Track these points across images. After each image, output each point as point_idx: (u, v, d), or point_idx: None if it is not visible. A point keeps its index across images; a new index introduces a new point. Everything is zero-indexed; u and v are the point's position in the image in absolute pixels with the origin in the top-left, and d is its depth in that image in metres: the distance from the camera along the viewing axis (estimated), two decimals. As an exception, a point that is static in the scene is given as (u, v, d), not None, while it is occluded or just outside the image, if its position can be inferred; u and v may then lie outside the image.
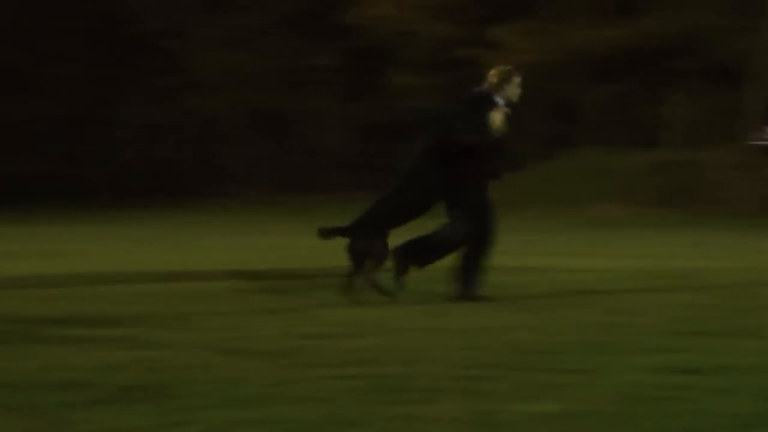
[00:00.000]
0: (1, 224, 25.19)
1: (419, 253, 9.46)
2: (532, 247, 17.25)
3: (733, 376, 5.59)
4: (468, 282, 9.28)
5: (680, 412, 4.74)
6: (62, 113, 40.15)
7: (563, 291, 9.64)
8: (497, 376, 5.53)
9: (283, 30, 40.78)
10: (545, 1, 37.72)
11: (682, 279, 11.06)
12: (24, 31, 40.16)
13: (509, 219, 29.01)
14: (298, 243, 17.29)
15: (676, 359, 6.05)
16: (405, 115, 38.48)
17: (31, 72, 40.15)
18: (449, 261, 9.34)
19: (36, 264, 13.40)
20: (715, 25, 33.88)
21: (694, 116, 37.01)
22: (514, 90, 9.59)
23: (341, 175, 40.49)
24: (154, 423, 4.50)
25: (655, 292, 9.80)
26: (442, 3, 38.66)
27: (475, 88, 9.63)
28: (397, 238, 9.34)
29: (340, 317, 8.14)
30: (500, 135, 9.43)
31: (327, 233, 9.33)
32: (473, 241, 9.33)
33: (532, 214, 29.29)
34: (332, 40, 40.24)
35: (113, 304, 8.94)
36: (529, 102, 36.67)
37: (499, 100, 9.49)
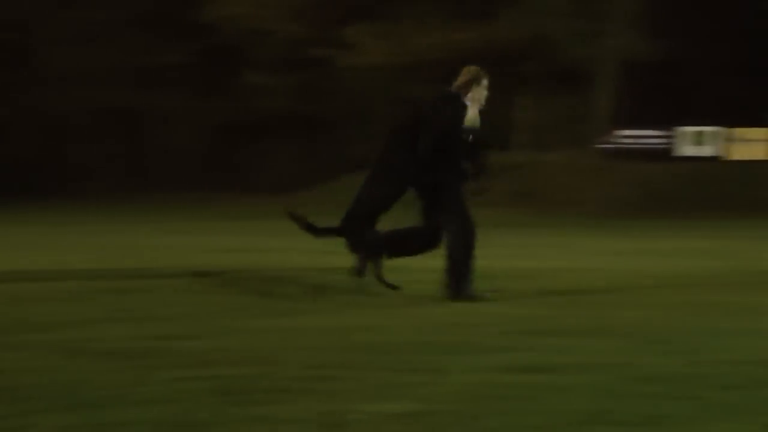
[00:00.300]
0: None
1: (394, 244, 9.61)
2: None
3: (575, 374, 5.72)
4: (458, 282, 9.33)
5: (523, 411, 4.83)
6: None
7: (411, 291, 9.70)
8: (346, 376, 5.56)
9: (136, 27, 40.23)
10: (398, 3, 37.97)
11: (529, 279, 11.22)
12: None
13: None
14: (151, 242, 17.10)
15: (520, 358, 6.16)
16: (258, 114, 38.36)
17: None
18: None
19: None
20: (563, 29, 34.57)
21: (543, 119, 37.72)
22: (482, 92, 9.66)
23: (194, 173, 40.13)
24: (-7, 427, 4.41)
25: (500, 292, 9.93)
26: (296, 3, 38.62)
27: (446, 89, 9.68)
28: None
29: (188, 318, 8.07)
30: (474, 131, 9.53)
31: (318, 232, 9.52)
32: (457, 241, 9.40)
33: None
34: (186, 38, 39.86)
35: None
36: (380, 103, 36.87)
37: (467, 102, 9.55)
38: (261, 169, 39.96)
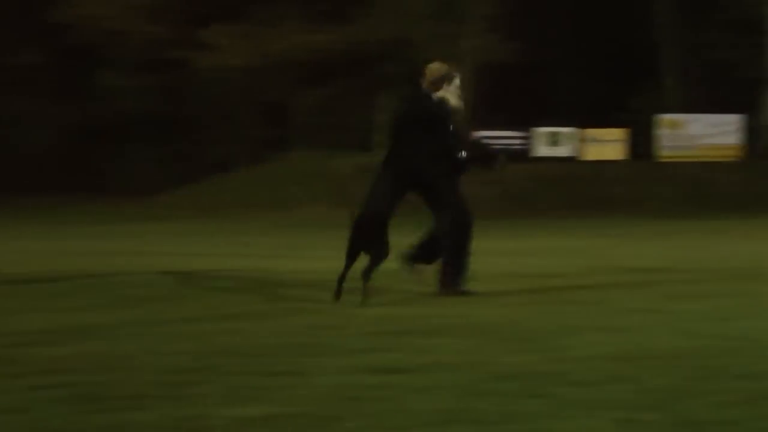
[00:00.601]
0: None
1: (427, 252, 9.63)
2: (241, 249, 17.25)
3: (435, 374, 5.77)
4: (453, 277, 9.36)
5: (382, 412, 4.85)
6: None
7: (271, 293, 9.68)
8: (205, 380, 5.51)
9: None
10: (257, 4, 37.80)
11: (389, 279, 11.23)
12: None
13: (219, 221, 28.89)
14: (5, 247, 16.70)
15: (380, 359, 6.18)
16: (116, 116, 37.79)
17: None
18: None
19: None
20: (422, 32, 34.84)
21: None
22: (455, 89, 9.76)
23: (47, 176, 39.29)
24: None
25: (358, 293, 9.95)
26: (152, 3, 38.13)
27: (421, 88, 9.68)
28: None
29: (40, 323, 7.91)
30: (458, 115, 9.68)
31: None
32: (453, 236, 9.42)
33: (242, 217, 29.28)
34: (38, 39, 39.00)
35: None
36: (241, 104, 36.61)
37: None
38: (120, 172, 39.37)
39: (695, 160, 33.15)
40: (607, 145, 33.20)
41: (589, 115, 34.40)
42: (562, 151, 33.58)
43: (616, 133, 33.20)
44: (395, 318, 8.16)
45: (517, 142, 34.20)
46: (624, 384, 5.46)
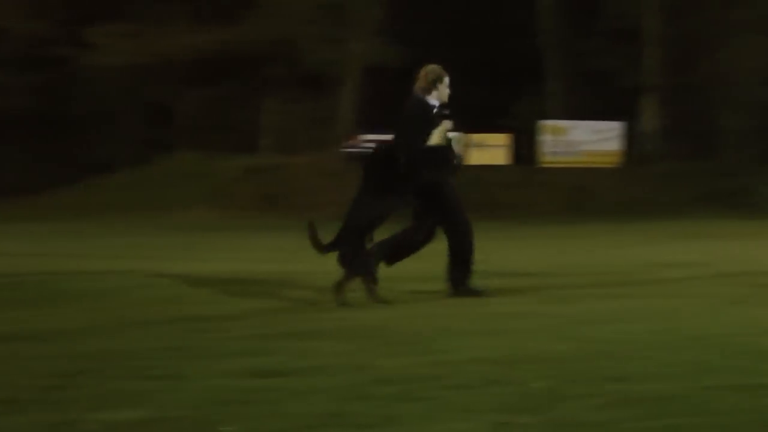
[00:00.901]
0: None
1: (392, 252, 9.75)
2: (123, 251, 17.05)
3: (314, 377, 5.76)
4: (464, 278, 9.54)
5: (261, 415, 4.84)
6: None
7: (150, 295, 9.58)
8: (79, 384, 5.43)
9: None
10: (142, 3, 37.41)
11: (269, 283, 11.23)
12: None
13: (101, 223, 28.47)
14: None
15: (259, 362, 6.15)
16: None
17: None
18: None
19: None
20: (307, 34, 34.83)
21: (289, 123, 37.89)
22: (444, 90, 9.82)
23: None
24: None
25: (242, 296, 9.92)
26: (35, 0, 37.48)
27: (415, 94, 9.78)
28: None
29: None
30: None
31: (325, 249, 9.38)
32: (458, 238, 9.63)
33: (125, 218, 28.94)
34: None
35: None
36: (125, 105, 36.16)
37: (434, 101, 9.74)
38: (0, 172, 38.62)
39: (577, 165, 33.69)
40: (491, 150, 33.56)
41: (473, 120, 34.70)
42: (446, 155, 33.84)
43: (500, 139, 33.59)
44: (276, 321, 8.14)
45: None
46: (501, 387, 5.52)
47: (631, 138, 34.90)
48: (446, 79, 9.99)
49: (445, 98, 10.02)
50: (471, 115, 36.05)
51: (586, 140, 34.30)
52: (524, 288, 10.42)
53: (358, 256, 9.36)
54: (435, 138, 9.88)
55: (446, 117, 9.99)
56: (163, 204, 32.19)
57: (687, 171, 33.22)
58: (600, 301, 9.29)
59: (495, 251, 17.42)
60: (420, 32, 37.93)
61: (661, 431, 4.69)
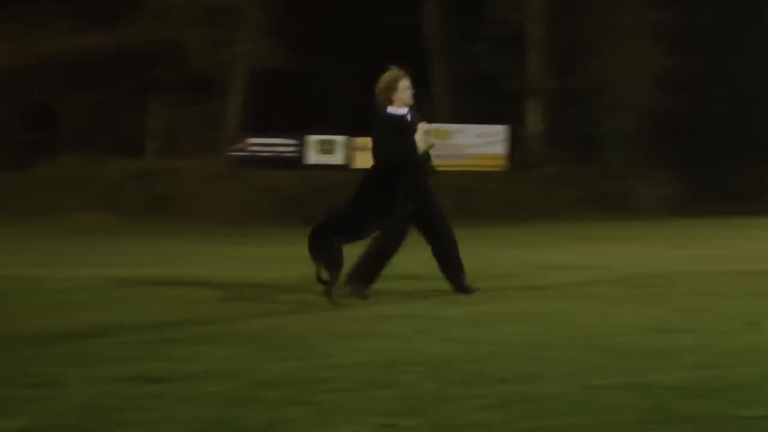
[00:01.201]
0: None
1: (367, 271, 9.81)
2: (7, 257, 16.74)
3: (200, 383, 5.72)
4: (460, 275, 9.96)
5: (145, 422, 4.79)
6: None
7: (32, 301, 9.42)
8: (-43, 394, 5.33)
9: None
10: (23, 4, 36.72)
11: (156, 288, 11.12)
12: None
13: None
14: None
15: (144, 368, 6.09)
16: None
17: None
18: None
19: None
20: (193, 37, 34.58)
21: (176, 126, 37.56)
22: (404, 93, 9.73)
23: None
24: None
25: (128, 301, 9.81)
26: None
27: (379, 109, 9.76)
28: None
29: None
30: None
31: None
32: (445, 237, 10.08)
33: (8, 224, 28.40)
34: None
35: None
36: (6, 107, 35.35)
37: (400, 110, 9.64)
38: None
39: (462, 169, 33.98)
40: (377, 153, 33.67)
41: (360, 123, 34.80)
42: (334, 158, 33.87)
43: (387, 142, 33.69)
44: (164, 326, 8.07)
45: (289, 149, 34.32)
46: (387, 390, 5.55)
47: (516, 142, 35.33)
48: (401, 83, 9.91)
49: (408, 100, 9.93)
50: (358, 118, 36.22)
51: (471, 144, 34.61)
52: (411, 290, 10.49)
53: (335, 251, 9.53)
54: (419, 144, 9.83)
55: (414, 120, 9.93)
56: (47, 209, 31.66)
57: (570, 174, 33.73)
58: (485, 302, 9.39)
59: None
60: (306, 35, 37.91)
61: (543, 431, 4.76)
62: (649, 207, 32.47)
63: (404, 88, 9.91)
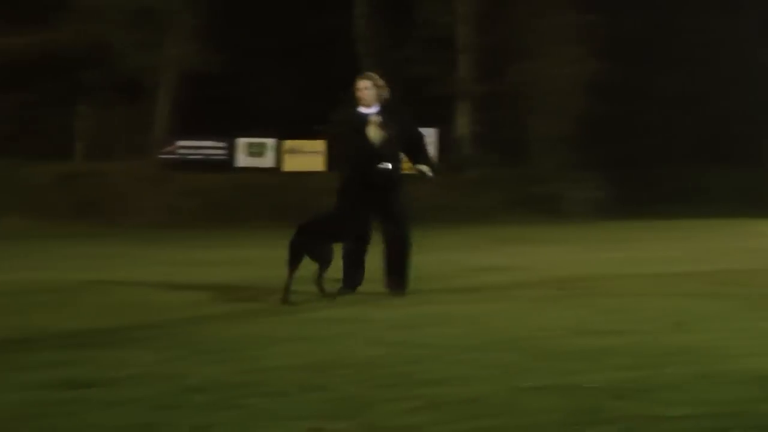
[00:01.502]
0: None
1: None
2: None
3: (127, 388, 5.68)
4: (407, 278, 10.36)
5: (67, 428, 4.74)
6: None
7: None
8: None
9: None
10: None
11: (83, 292, 11.01)
12: None
13: None
14: None
15: (68, 373, 6.02)
16: None
17: None
18: None
19: None
20: (122, 38, 34.29)
21: (105, 128, 37.24)
22: (357, 93, 10.38)
23: None
24: None
25: (53, 306, 9.70)
26: None
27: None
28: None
29: None
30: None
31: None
32: (409, 239, 10.63)
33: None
34: None
35: None
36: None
37: (360, 109, 10.28)
38: None
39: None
40: (307, 156, 33.62)
41: (290, 126, 34.75)
42: (263, 161, 33.77)
43: (316, 145, 33.66)
44: (87, 331, 7.98)
45: (219, 152, 34.16)
46: (315, 393, 5.54)
47: (446, 144, 35.44)
48: (357, 84, 10.53)
49: (360, 101, 10.50)
50: (288, 121, 36.15)
51: (401, 147, 34.65)
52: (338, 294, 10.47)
53: (325, 249, 9.88)
54: (373, 138, 10.33)
55: (361, 117, 10.41)
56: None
57: (500, 177, 33.90)
58: (414, 305, 9.41)
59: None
60: (236, 38, 37.78)
61: (469, 433, 4.79)
62: (578, 210, 32.73)
63: (357, 89, 10.50)
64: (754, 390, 5.53)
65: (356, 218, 10.27)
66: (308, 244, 9.87)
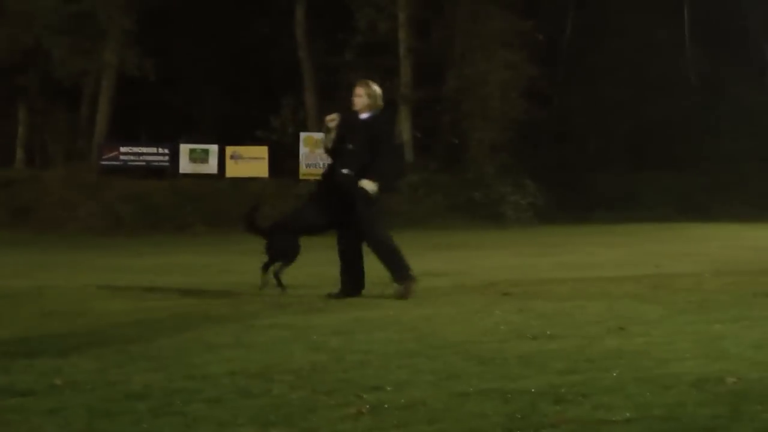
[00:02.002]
0: None
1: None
2: None
3: (65, 396, 5.63)
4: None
5: (3, 437, 4.70)
6: None
7: None
8: None
9: None
10: None
11: (20, 300, 10.89)
12: None
13: None
14: None
15: (8, 381, 5.97)
16: None
17: None
18: None
19: None
20: (59, 44, 34.01)
21: (42, 134, 36.93)
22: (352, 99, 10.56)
23: None
24: None
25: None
26: None
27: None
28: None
29: None
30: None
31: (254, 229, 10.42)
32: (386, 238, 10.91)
33: None
34: None
35: None
36: None
37: (358, 114, 10.52)
38: None
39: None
40: (250, 162, 33.51)
41: (233, 132, 34.64)
42: (206, 167, 33.60)
43: (259, 151, 33.58)
44: (25, 339, 7.90)
45: (162, 158, 33.94)
46: (257, 399, 5.53)
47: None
48: (354, 88, 10.71)
49: (354, 105, 10.65)
50: (231, 127, 36.02)
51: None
52: (280, 299, 10.45)
53: (291, 246, 10.34)
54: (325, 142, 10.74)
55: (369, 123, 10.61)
56: None
57: (439, 182, 33.99)
58: (356, 311, 9.41)
59: (255, 262, 17.43)
60: (177, 44, 37.62)
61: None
62: (518, 215, 32.92)
63: (353, 94, 10.71)
64: (693, 393, 5.59)
65: (316, 217, 10.55)
66: (274, 239, 10.20)
